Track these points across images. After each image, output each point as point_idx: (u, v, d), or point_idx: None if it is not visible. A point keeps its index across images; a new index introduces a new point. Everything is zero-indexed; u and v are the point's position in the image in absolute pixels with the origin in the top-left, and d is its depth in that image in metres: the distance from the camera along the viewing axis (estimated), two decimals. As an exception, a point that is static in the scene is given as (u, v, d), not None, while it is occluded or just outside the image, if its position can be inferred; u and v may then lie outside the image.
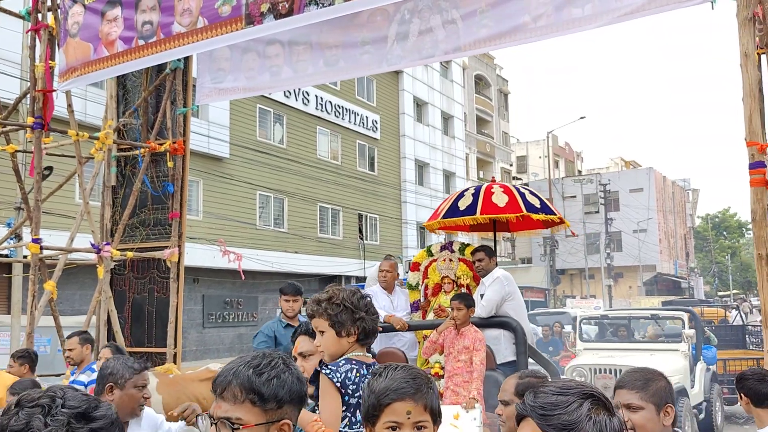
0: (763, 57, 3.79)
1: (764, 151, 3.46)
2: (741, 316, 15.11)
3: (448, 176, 36.79)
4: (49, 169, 8.98)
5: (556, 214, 6.60)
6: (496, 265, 6.22)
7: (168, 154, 7.08)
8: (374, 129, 30.90)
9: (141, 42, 5.58)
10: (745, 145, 3.59)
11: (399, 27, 5.65)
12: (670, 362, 9.63)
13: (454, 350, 5.47)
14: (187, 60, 7.17)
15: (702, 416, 10.12)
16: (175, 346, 6.87)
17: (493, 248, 6.39)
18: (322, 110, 27.62)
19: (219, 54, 6.71)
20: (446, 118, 37.71)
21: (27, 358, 5.50)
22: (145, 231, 7.32)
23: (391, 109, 32.64)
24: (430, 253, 6.69)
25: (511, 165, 51.70)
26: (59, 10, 6.42)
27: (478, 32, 5.22)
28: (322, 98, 27.56)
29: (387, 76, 31.58)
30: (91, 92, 16.46)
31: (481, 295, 6.01)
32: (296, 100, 26.26)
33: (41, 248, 6.40)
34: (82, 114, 16.18)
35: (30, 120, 6.45)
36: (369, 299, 2.81)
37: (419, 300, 6.59)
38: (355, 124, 29.57)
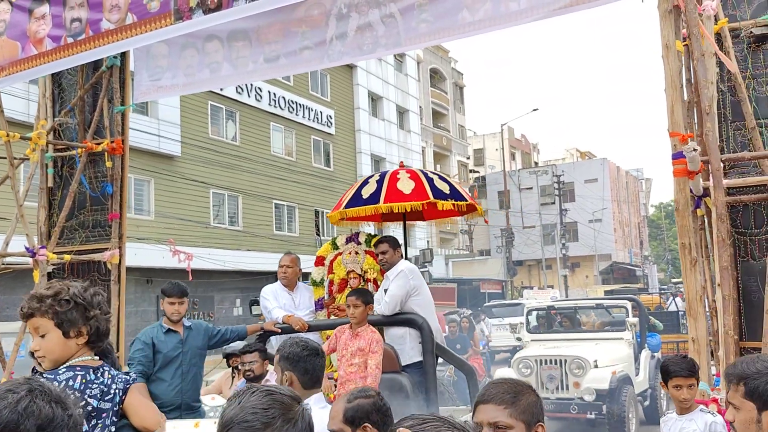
0: (687, 48, 3.86)
1: (686, 141, 3.53)
2: (676, 303, 16.07)
3: (405, 170, 36.86)
4: (-15, 171, 8.67)
5: (466, 200, 6.13)
6: (401, 257, 5.74)
7: (106, 153, 6.92)
8: (329, 124, 30.77)
9: (70, 40, 5.43)
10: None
11: (338, 22, 5.57)
12: (615, 350, 9.81)
13: (347, 353, 4.93)
14: (124, 57, 7.01)
15: (647, 403, 10.33)
16: (118, 350, 6.73)
17: (401, 239, 5.95)
18: (275, 106, 27.37)
19: (156, 50, 6.55)
20: (402, 112, 37.76)
21: None
22: (84, 233, 7.13)
23: (345, 104, 32.53)
24: (335, 245, 6.18)
25: (468, 158, 52.08)
26: (-15, 7, 6.21)
27: (418, 27, 5.19)
28: (275, 94, 27.31)
29: (341, 71, 31.47)
30: (33, 93, 16.00)
31: (385, 290, 5.49)
32: (249, 96, 25.97)
33: (-28, 253, 6.20)
34: (24, 114, 15.76)
35: (-43, 121, 6.23)
36: (102, 296, 2.50)
37: (323, 297, 6.10)
38: (309, 119, 29.38)
